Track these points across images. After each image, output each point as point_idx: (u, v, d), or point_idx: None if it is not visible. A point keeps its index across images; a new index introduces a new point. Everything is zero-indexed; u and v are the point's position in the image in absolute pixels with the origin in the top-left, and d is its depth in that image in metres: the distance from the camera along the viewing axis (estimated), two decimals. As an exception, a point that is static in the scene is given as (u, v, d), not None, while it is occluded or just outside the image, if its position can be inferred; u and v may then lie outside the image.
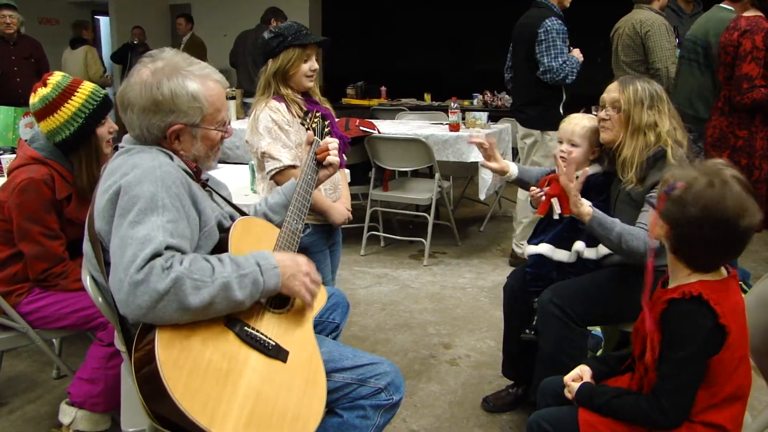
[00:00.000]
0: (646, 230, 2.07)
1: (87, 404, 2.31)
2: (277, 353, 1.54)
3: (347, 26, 10.36)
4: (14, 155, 2.55)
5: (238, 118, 5.45)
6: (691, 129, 3.75)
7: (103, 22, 11.51)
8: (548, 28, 4.00)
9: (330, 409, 1.73)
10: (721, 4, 3.87)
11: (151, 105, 1.59)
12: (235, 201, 2.05)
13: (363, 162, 4.78)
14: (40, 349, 2.46)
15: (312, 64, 2.52)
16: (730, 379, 1.50)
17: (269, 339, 1.55)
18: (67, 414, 2.34)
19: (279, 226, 1.86)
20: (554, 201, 2.29)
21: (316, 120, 2.16)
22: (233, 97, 5.49)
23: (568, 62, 4.04)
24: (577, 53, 4.14)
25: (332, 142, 2.09)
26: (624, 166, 2.24)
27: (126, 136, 1.71)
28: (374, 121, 5.14)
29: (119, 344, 1.65)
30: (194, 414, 1.32)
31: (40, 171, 2.27)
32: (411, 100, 7.87)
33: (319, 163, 2.06)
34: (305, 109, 2.52)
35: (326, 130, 2.17)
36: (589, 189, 2.37)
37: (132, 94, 1.61)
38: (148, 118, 1.61)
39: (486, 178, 4.56)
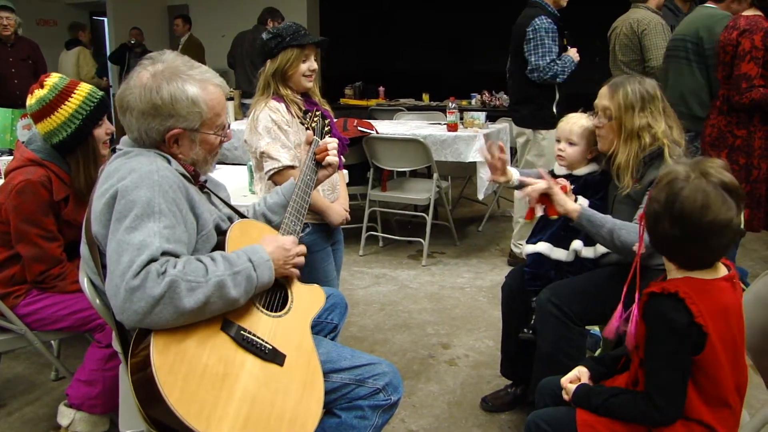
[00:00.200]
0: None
1: (85, 406, 2.31)
2: (274, 357, 1.54)
3: (345, 26, 10.34)
4: (11, 157, 2.55)
5: (236, 119, 5.44)
6: (689, 129, 3.78)
7: (107, 23, 11.49)
8: (536, 27, 4.01)
9: (328, 410, 1.74)
10: (705, 4, 3.90)
11: (150, 109, 1.59)
12: (233, 201, 2.04)
13: (361, 162, 4.78)
14: (38, 350, 2.46)
15: (310, 65, 2.52)
16: (718, 379, 1.50)
17: (266, 343, 1.54)
18: (65, 416, 2.34)
19: (278, 226, 1.86)
20: (538, 206, 2.28)
21: (316, 119, 2.15)
22: (231, 98, 5.49)
23: (559, 61, 4.04)
24: (573, 53, 4.14)
25: (331, 142, 2.09)
26: (619, 173, 2.22)
27: (124, 138, 1.71)
28: (372, 122, 5.13)
29: (117, 346, 1.65)
30: (190, 419, 1.32)
31: (38, 173, 2.27)
32: (409, 101, 7.87)
33: (319, 163, 2.06)
34: (304, 109, 2.52)
35: (326, 129, 2.17)
36: (586, 188, 2.37)
37: (131, 98, 1.60)
38: (147, 122, 1.61)
39: (484, 177, 4.55)
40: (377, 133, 4.70)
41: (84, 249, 1.66)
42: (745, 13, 3.41)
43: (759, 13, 3.33)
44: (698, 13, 3.88)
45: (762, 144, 3.32)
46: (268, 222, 1.96)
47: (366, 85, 8.43)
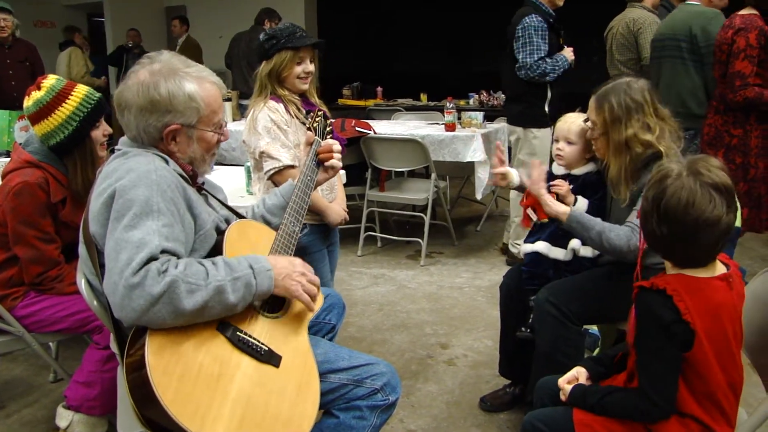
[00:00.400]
0: (632, 228, 2.07)
1: (84, 408, 2.31)
2: (270, 358, 1.54)
3: (343, 27, 10.35)
4: (8, 159, 2.54)
5: (234, 120, 5.44)
6: (688, 127, 3.78)
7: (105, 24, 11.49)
8: (526, 25, 4.03)
9: (326, 410, 1.74)
10: (688, 1, 3.91)
11: (148, 105, 1.60)
12: (231, 203, 2.04)
13: (359, 162, 4.78)
14: (36, 352, 2.45)
15: (305, 67, 2.51)
16: (708, 377, 1.50)
17: (261, 344, 1.54)
18: (63, 417, 2.33)
19: (277, 228, 1.85)
20: (530, 210, 2.29)
21: (318, 120, 2.13)
22: (229, 99, 5.49)
23: (549, 60, 4.06)
24: (568, 53, 4.15)
25: (336, 144, 2.08)
26: (614, 186, 2.21)
27: (122, 139, 1.71)
28: (370, 122, 5.14)
29: (114, 347, 1.65)
30: (184, 420, 1.32)
31: (35, 174, 2.27)
32: (407, 101, 7.87)
33: (319, 165, 2.05)
34: (303, 108, 2.51)
35: (328, 129, 2.15)
36: (585, 187, 2.38)
37: (129, 95, 1.62)
38: (145, 119, 1.62)
39: (482, 177, 4.56)
40: (375, 133, 4.69)
41: (82, 249, 1.67)
42: (741, 12, 3.42)
43: (755, 11, 3.34)
44: (686, 10, 3.89)
45: (759, 143, 3.32)
46: (267, 223, 1.95)
47: (364, 86, 8.43)
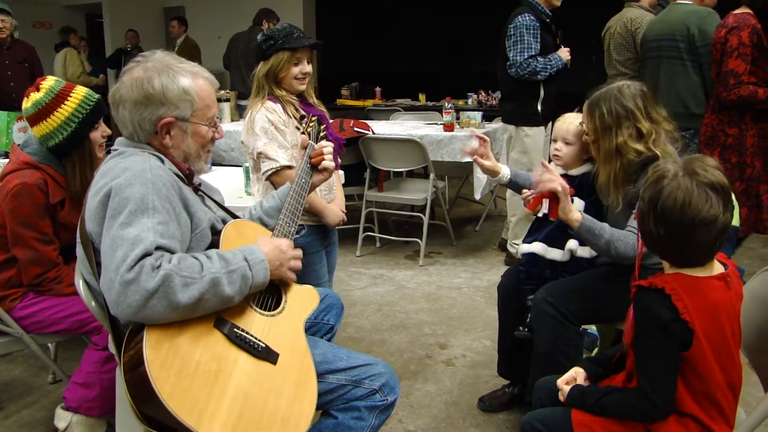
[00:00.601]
0: (635, 233, 2.07)
1: (82, 409, 2.31)
2: (267, 355, 1.54)
3: (341, 27, 10.35)
4: (7, 160, 2.54)
5: (232, 120, 5.45)
6: (688, 127, 3.79)
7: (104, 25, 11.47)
8: (517, 24, 4.07)
9: (325, 411, 1.74)
10: (679, 1, 3.92)
11: (142, 98, 1.63)
12: (229, 203, 2.05)
13: (358, 163, 4.78)
14: (35, 353, 2.46)
15: (302, 68, 2.51)
16: (706, 376, 1.50)
17: (259, 341, 1.55)
18: (62, 419, 2.33)
19: (273, 230, 1.86)
20: (545, 203, 2.27)
21: (312, 124, 2.17)
22: (227, 99, 5.49)
23: (541, 58, 4.08)
24: (563, 53, 4.17)
25: (327, 146, 2.10)
26: (602, 192, 2.20)
27: (119, 139, 1.73)
28: (369, 122, 5.14)
29: (112, 348, 1.65)
30: (182, 414, 1.32)
31: (34, 176, 2.27)
32: (406, 101, 7.88)
33: (314, 167, 2.07)
34: (300, 109, 2.52)
35: (322, 134, 2.18)
36: (581, 188, 2.38)
37: (124, 90, 1.65)
38: (140, 112, 1.64)
39: (481, 177, 4.56)
40: (373, 133, 4.70)
41: (79, 250, 1.67)
42: (735, 12, 3.42)
43: (748, 10, 3.34)
44: (679, 10, 3.91)
45: (754, 142, 3.32)
46: (265, 226, 1.96)
47: (362, 86, 8.43)
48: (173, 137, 1.70)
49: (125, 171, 1.55)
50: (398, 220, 5.72)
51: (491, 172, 2.51)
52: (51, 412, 2.49)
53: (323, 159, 2.07)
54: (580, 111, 2.39)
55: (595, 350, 2.96)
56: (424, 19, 10.40)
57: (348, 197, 3.56)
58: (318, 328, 2.09)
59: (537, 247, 2.41)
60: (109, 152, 1.73)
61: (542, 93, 4.18)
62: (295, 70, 2.50)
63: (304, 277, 2.32)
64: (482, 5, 9.48)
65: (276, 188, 2.31)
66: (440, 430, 2.59)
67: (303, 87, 2.56)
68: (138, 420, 1.39)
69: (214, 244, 1.67)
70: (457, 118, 5.01)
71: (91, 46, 9.65)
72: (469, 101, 7.45)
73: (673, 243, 1.49)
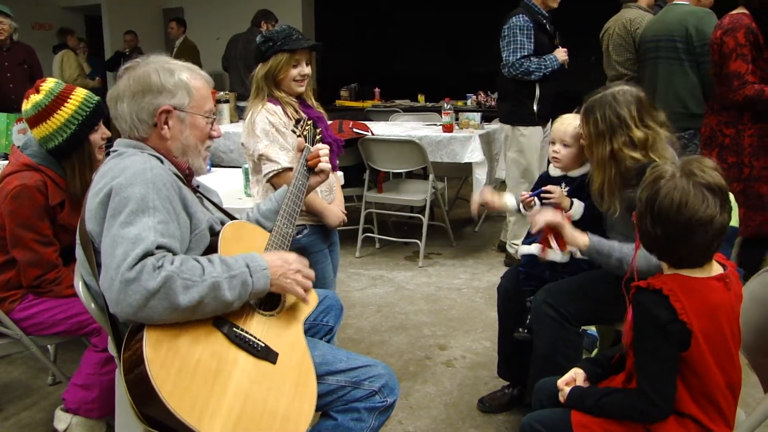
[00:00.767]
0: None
1: (82, 410, 2.31)
2: (267, 355, 1.55)
3: (340, 28, 10.34)
4: (7, 162, 2.55)
5: (231, 122, 5.45)
6: (688, 127, 3.80)
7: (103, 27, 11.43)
8: (511, 24, 4.10)
9: (324, 412, 1.74)
10: (676, 1, 3.93)
11: (140, 89, 1.66)
12: (228, 204, 2.06)
13: (357, 164, 4.78)
14: (34, 355, 2.46)
15: (301, 69, 2.52)
16: (705, 377, 1.50)
17: (258, 340, 1.55)
18: (62, 420, 2.34)
19: (271, 232, 1.86)
20: (551, 239, 2.25)
21: (307, 127, 2.17)
22: (227, 101, 5.49)
23: (535, 59, 4.09)
24: (560, 53, 4.18)
25: (323, 149, 2.11)
26: (595, 198, 2.20)
27: (118, 140, 1.73)
28: (368, 123, 5.14)
29: (112, 349, 1.65)
30: (183, 413, 1.32)
31: (33, 177, 2.27)
32: (405, 102, 7.88)
33: (311, 170, 2.08)
34: (300, 111, 2.52)
35: (318, 137, 2.19)
36: (581, 190, 2.38)
37: (122, 86, 1.69)
38: (138, 102, 1.67)
39: (480, 178, 4.57)
40: (372, 134, 4.70)
41: (79, 251, 1.67)
42: (732, 13, 3.42)
43: (744, 11, 3.34)
44: (677, 11, 3.92)
45: (752, 142, 3.32)
46: (262, 228, 1.96)
47: (361, 87, 8.43)
48: (171, 128, 1.70)
49: (125, 170, 1.55)
50: (397, 221, 5.72)
51: (502, 209, 2.58)
52: (50, 413, 2.48)
53: (319, 161, 2.08)
54: (579, 112, 2.39)
55: (595, 351, 2.96)
56: (423, 20, 10.39)
57: (347, 198, 3.56)
58: (317, 329, 2.09)
59: (536, 249, 2.41)
60: (108, 154, 1.73)
61: (538, 93, 4.19)
62: (294, 71, 2.50)
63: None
64: (482, 5, 9.47)
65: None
66: (440, 431, 2.59)
67: (302, 89, 2.56)
68: (138, 420, 1.39)
69: (213, 245, 1.68)
70: (456, 119, 5.01)
71: (90, 47, 9.64)
72: (468, 102, 7.46)
73: (670, 243, 1.50)
